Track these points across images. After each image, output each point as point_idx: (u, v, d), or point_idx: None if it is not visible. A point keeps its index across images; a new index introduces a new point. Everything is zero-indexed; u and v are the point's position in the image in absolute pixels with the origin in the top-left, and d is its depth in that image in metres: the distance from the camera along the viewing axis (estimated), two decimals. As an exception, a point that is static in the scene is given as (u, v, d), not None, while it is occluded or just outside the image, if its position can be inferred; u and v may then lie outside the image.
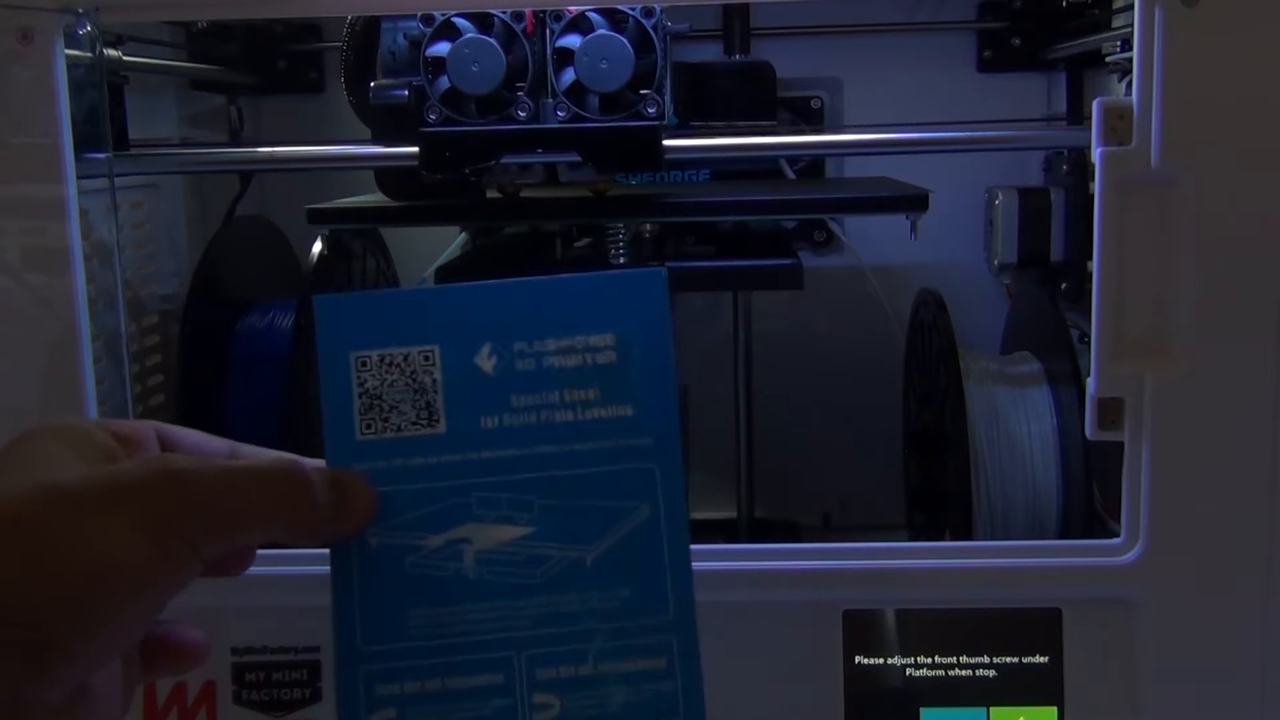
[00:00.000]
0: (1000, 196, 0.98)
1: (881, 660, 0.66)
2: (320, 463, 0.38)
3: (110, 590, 0.32)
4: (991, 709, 0.66)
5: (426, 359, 0.39)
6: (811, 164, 1.05)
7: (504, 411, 0.39)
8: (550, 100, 0.71)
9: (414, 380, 0.39)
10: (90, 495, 0.33)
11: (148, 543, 0.33)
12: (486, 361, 0.39)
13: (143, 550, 0.33)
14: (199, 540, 0.34)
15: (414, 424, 0.39)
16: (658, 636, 0.39)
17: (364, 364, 0.39)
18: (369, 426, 0.39)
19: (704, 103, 0.87)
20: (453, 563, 0.38)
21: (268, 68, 1.08)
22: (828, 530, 1.07)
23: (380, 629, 0.38)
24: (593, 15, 0.70)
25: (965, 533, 0.77)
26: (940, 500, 0.85)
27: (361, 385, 0.39)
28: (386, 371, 0.39)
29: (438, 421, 0.39)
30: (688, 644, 0.39)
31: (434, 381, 0.39)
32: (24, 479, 0.33)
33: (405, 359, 0.39)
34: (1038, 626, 0.66)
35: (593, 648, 0.38)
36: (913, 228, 0.79)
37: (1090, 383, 0.63)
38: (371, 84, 0.75)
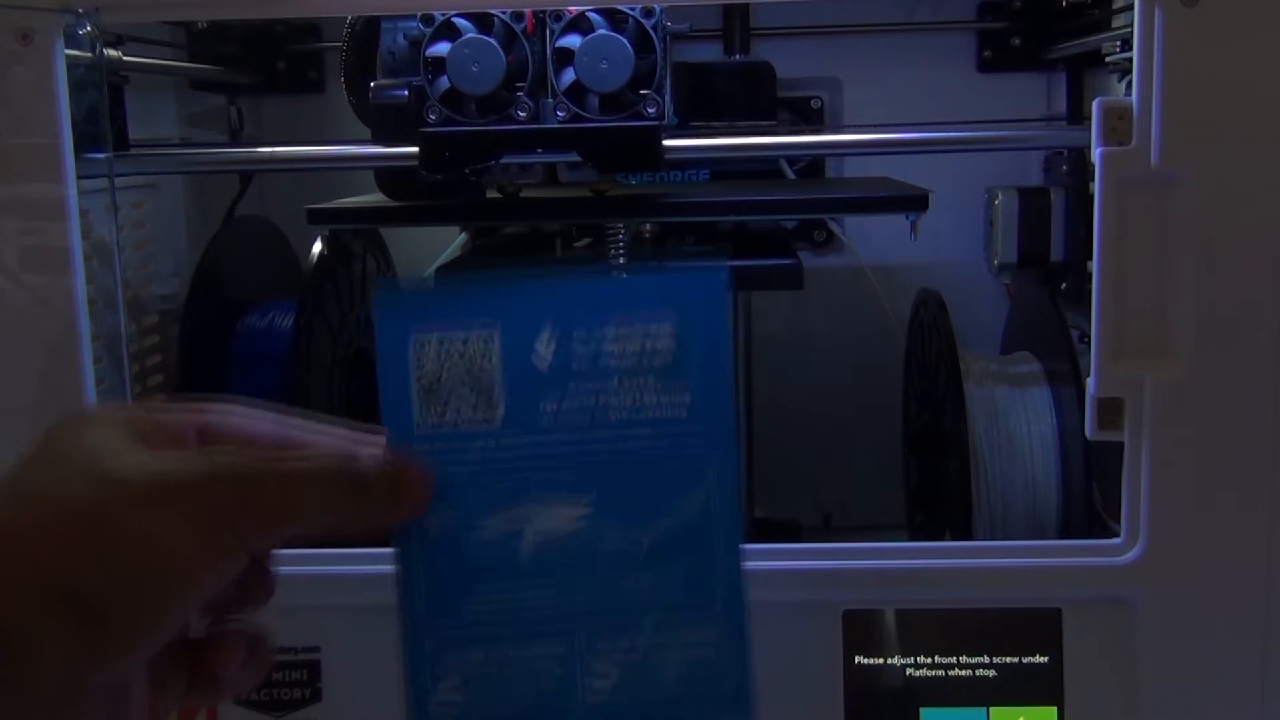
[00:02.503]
0: (1000, 196, 0.98)
1: (881, 660, 0.66)
2: (378, 445, 0.39)
3: (163, 578, 0.33)
4: (991, 709, 0.66)
5: (486, 343, 0.40)
6: (811, 164, 1.05)
7: (562, 398, 0.40)
8: (550, 100, 0.71)
9: (473, 364, 0.39)
10: (143, 486, 0.34)
11: (198, 535, 0.34)
12: (546, 348, 0.40)
13: (192, 542, 0.34)
14: (248, 535, 0.35)
15: (473, 408, 0.39)
16: (709, 613, 0.40)
17: (423, 347, 0.39)
18: (428, 410, 0.39)
19: (704, 103, 0.87)
20: (512, 542, 0.39)
21: (268, 68, 1.08)
22: (828, 530, 1.07)
23: (443, 604, 0.39)
24: (593, 15, 0.70)
25: (965, 533, 0.77)
26: (940, 500, 0.85)
27: (420, 369, 0.39)
28: (445, 355, 0.39)
29: (496, 406, 0.39)
30: (736, 626, 0.40)
31: (493, 366, 0.40)
32: (77, 467, 0.34)
33: (465, 343, 0.40)
34: (1038, 626, 0.66)
35: (648, 624, 0.40)
36: (913, 228, 0.79)
37: (1090, 383, 0.63)
38: (371, 84, 0.75)
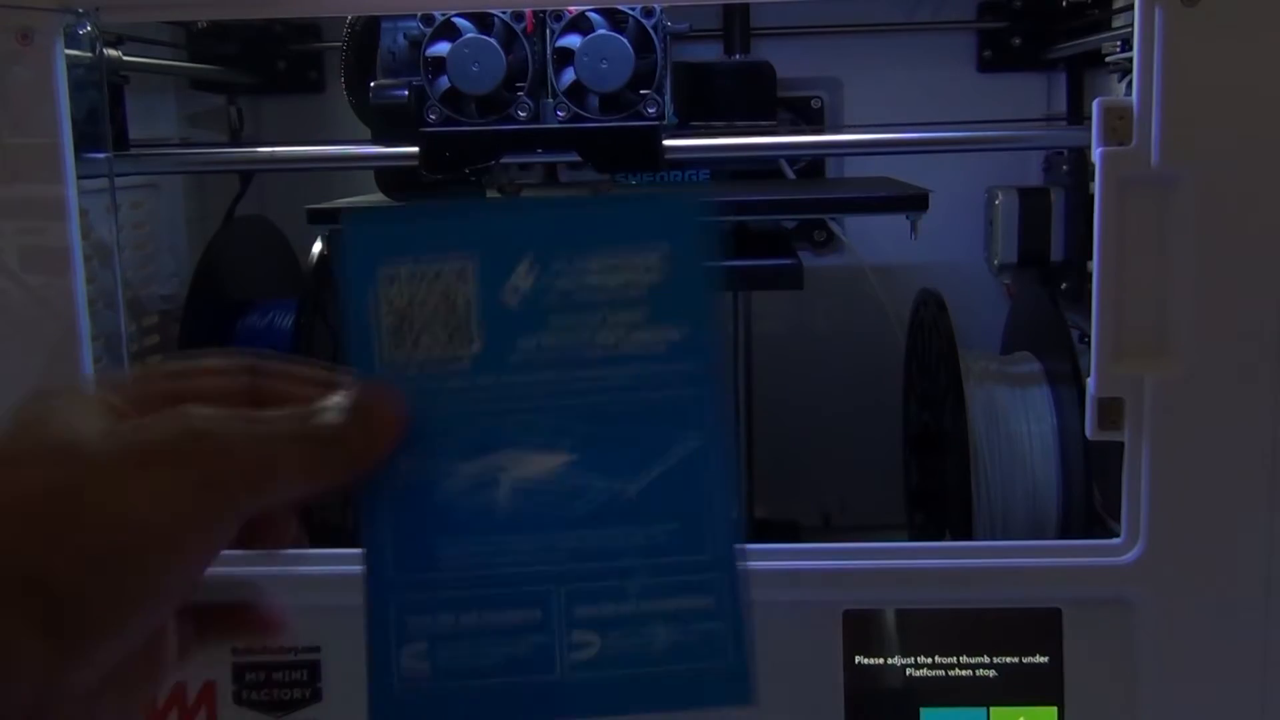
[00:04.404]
0: (1000, 196, 0.98)
1: (881, 660, 0.66)
2: (347, 386, 0.36)
3: (139, 553, 0.30)
4: (991, 709, 0.66)
5: (461, 275, 0.36)
6: (811, 164, 1.05)
7: (542, 332, 0.36)
8: (550, 100, 0.71)
9: (446, 297, 0.36)
10: (113, 454, 0.31)
11: (176, 502, 0.31)
12: (524, 279, 0.37)
13: (171, 510, 0.31)
14: (232, 497, 0.32)
15: (446, 344, 0.36)
16: (702, 575, 0.37)
17: (392, 279, 0.36)
18: (397, 346, 0.36)
19: (704, 103, 0.87)
20: (487, 492, 0.36)
21: (268, 68, 1.08)
22: (828, 530, 1.07)
23: (412, 559, 0.36)
24: (593, 15, 0.70)
25: (965, 533, 0.77)
26: (940, 500, 0.85)
27: (389, 303, 0.36)
28: (416, 287, 0.36)
29: (471, 342, 0.36)
30: (733, 584, 0.37)
31: (468, 299, 0.36)
32: (40, 441, 0.31)
33: (437, 275, 0.36)
34: (1038, 626, 0.66)
35: (634, 585, 0.36)
36: (913, 228, 0.79)
37: (1090, 383, 0.63)
38: (371, 84, 0.75)
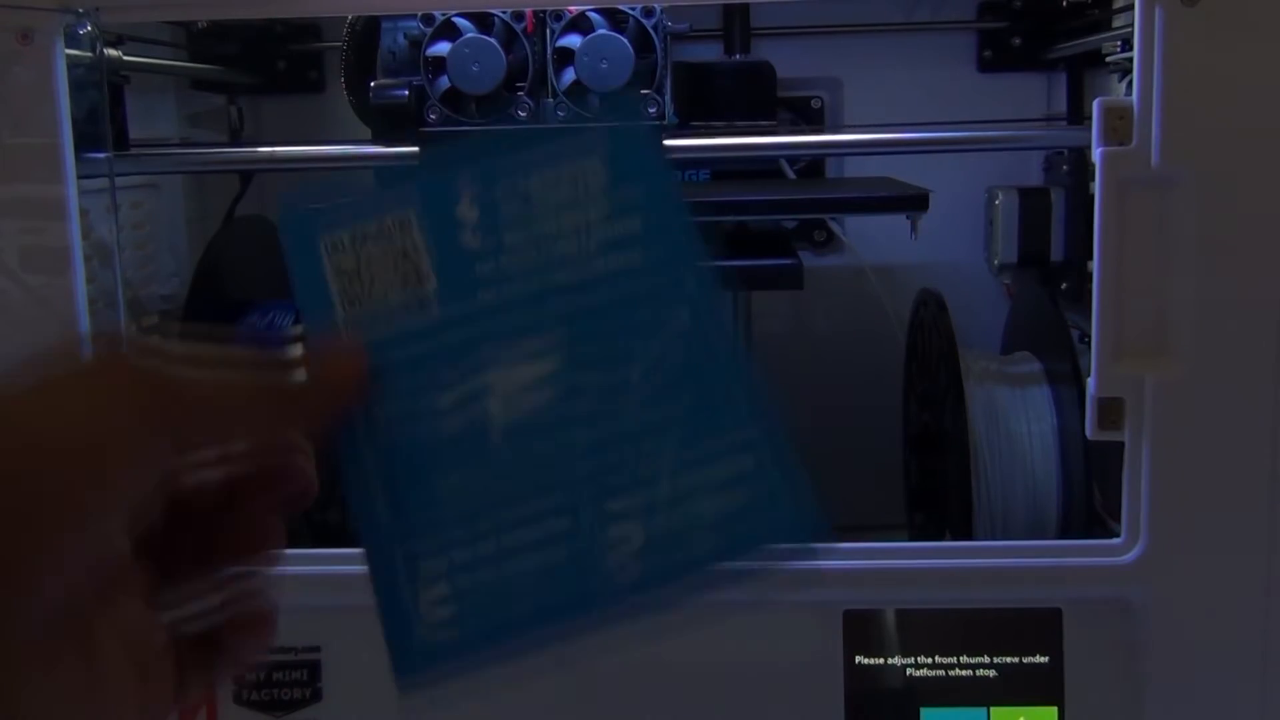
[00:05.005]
0: (1000, 196, 0.98)
1: (881, 660, 0.66)
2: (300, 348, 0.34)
3: (79, 477, 0.27)
4: (992, 709, 0.66)
5: (402, 225, 0.35)
6: (811, 164, 1.05)
7: (499, 254, 0.35)
8: (550, 100, 0.71)
9: (393, 246, 0.35)
10: (47, 380, 0.28)
11: (103, 421, 0.28)
12: (470, 211, 0.35)
13: (98, 428, 0.28)
14: (167, 419, 0.29)
15: (401, 288, 0.35)
16: (735, 435, 0.35)
17: (336, 246, 0.35)
18: (351, 303, 0.35)
19: (704, 103, 0.87)
20: (477, 416, 0.34)
21: (268, 68, 1.08)
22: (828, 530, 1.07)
23: (411, 504, 0.34)
24: (593, 15, 0.70)
25: (965, 533, 0.77)
26: (940, 500, 0.85)
27: (336, 267, 0.35)
28: (360, 247, 0.35)
29: (427, 279, 0.35)
30: (771, 435, 0.35)
31: (415, 244, 0.35)
32: None
33: (379, 230, 0.35)
34: (1038, 626, 0.66)
35: (664, 464, 0.34)
36: (913, 228, 0.79)
37: (1090, 383, 0.63)
38: (372, 84, 0.76)
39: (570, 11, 0.70)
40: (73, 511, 0.27)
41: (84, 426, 0.28)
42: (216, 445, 0.32)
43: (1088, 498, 0.77)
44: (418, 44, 0.72)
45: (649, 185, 0.36)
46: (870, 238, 1.05)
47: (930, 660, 0.66)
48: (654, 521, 0.34)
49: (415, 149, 0.72)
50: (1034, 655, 0.66)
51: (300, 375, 0.33)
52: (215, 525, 0.34)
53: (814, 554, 0.36)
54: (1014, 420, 0.80)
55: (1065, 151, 0.99)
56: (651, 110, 0.71)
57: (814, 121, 1.06)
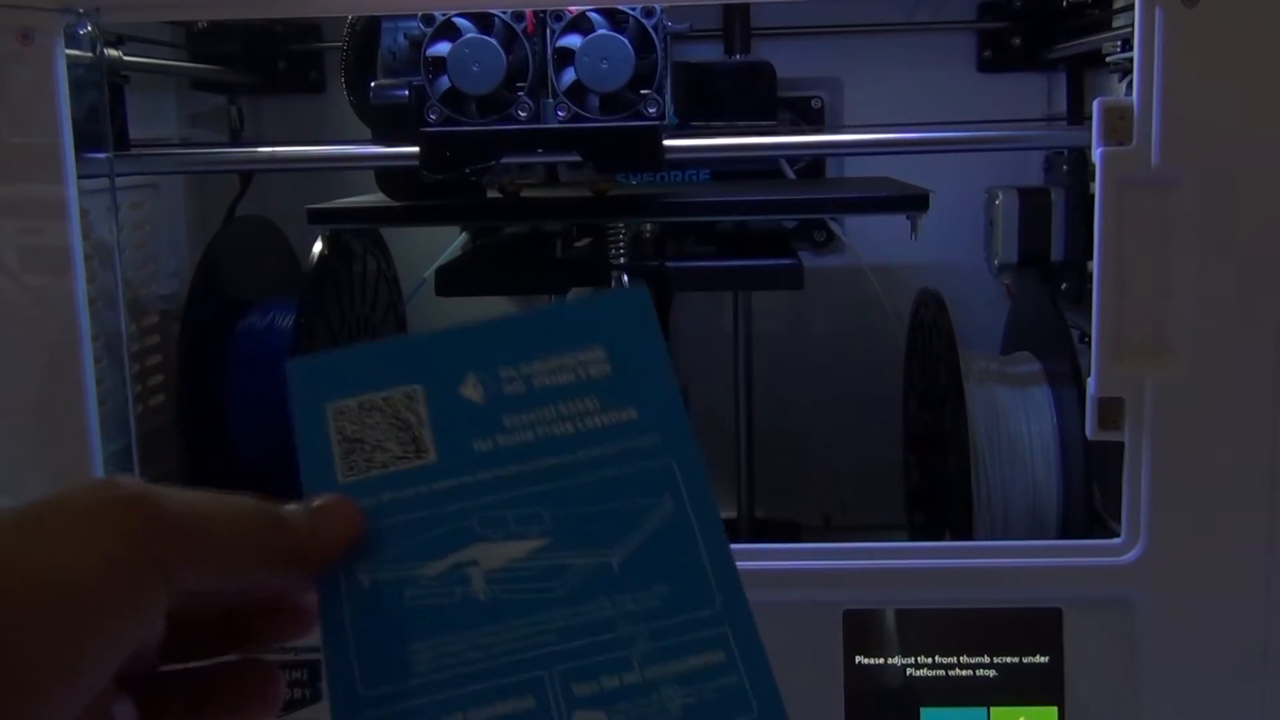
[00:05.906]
0: (1000, 196, 0.98)
1: (882, 660, 0.66)
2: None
3: (66, 614, 0.27)
4: (992, 709, 0.66)
5: (409, 398, 0.37)
6: (811, 164, 1.05)
7: (497, 433, 0.36)
8: (551, 100, 0.71)
9: (397, 418, 0.37)
10: (31, 515, 0.29)
11: (105, 561, 0.28)
12: (473, 391, 0.37)
13: (100, 569, 0.28)
14: (166, 560, 0.29)
15: (400, 458, 0.36)
16: (709, 629, 0.35)
17: (342, 413, 0.37)
18: (351, 469, 0.36)
19: (704, 103, 0.87)
20: (459, 587, 0.35)
21: (268, 68, 1.08)
22: (828, 530, 1.07)
23: (382, 671, 0.34)
24: (593, 15, 0.70)
25: (965, 533, 0.77)
26: (940, 500, 0.85)
27: (340, 433, 0.37)
28: (367, 416, 0.37)
29: (426, 452, 0.36)
30: (745, 631, 0.35)
31: (419, 417, 0.37)
32: None
33: (386, 401, 0.37)
34: (1038, 626, 0.66)
35: (636, 653, 0.34)
36: (913, 228, 0.79)
37: (1090, 383, 0.64)
38: (371, 84, 0.76)
39: (570, 11, 0.70)
40: (79, 665, 0.28)
41: (73, 565, 0.28)
42: (209, 589, 0.32)
43: (1088, 498, 0.77)
44: (418, 44, 0.72)
45: (648, 378, 0.37)
46: (870, 238, 1.05)
47: (930, 660, 0.66)
48: (621, 710, 0.34)
49: (415, 149, 0.72)
50: (1034, 655, 0.66)
51: (300, 524, 0.33)
52: (208, 676, 0.34)
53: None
54: (1014, 420, 0.80)
55: (1065, 151, 0.99)
56: (652, 110, 0.71)
57: (814, 121, 1.06)
